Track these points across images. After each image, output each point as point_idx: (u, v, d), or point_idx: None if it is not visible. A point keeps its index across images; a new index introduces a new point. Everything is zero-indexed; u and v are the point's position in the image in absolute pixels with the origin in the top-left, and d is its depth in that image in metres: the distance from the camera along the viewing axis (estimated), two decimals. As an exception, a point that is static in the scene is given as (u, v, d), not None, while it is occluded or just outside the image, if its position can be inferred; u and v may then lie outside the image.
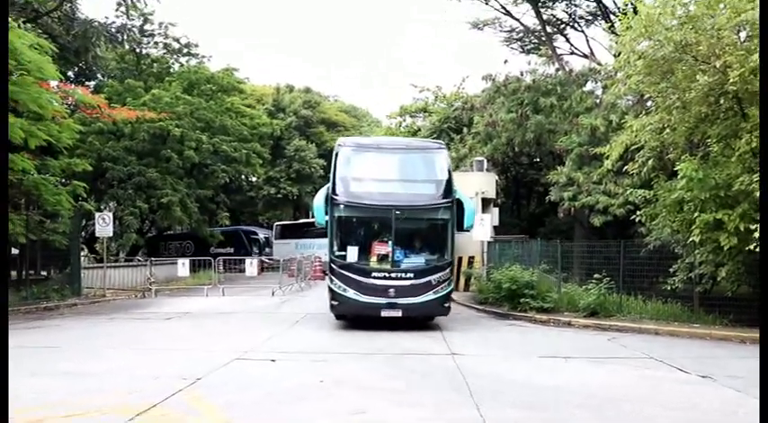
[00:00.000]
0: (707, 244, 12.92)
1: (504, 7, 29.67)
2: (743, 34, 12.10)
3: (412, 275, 12.91)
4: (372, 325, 12.87)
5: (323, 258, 28.81)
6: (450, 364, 9.22)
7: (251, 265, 21.79)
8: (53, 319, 15.10)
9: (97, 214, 21.65)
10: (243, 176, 40.54)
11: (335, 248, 13.21)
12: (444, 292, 13.12)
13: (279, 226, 39.17)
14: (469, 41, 70.39)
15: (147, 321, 14.80)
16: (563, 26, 30.92)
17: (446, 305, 13.32)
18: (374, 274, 12.86)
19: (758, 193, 11.00)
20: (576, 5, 30.16)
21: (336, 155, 13.66)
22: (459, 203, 13.69)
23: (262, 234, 39.31)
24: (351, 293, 12.78)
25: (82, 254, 25.97)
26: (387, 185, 13.59)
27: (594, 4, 28.72)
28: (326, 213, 13.28)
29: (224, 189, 37.77)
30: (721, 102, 12.25)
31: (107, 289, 21.29)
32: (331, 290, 13.12)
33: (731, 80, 11.23)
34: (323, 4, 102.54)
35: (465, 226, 13.77)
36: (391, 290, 12.71)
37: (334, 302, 13.08)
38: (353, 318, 13.50)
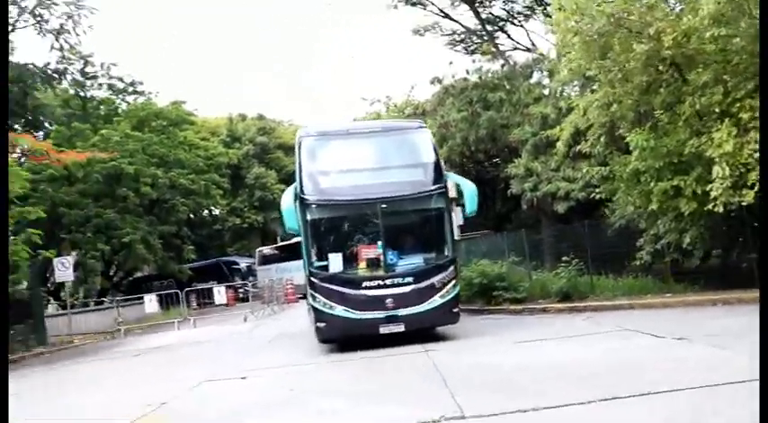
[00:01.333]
0: (668, 212, 12.97)
1: (442, 11, 29.89)
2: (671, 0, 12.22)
3: (411, 280, 10.81)
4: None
5: (294, 281, 28.51)
6: (426, 361, 8.97)
7: (219, 293, 21.33)
8: (18, 370, 14.51)
9: (55, 259, 21.09)
10: (205, 210, 40.02)
11: (314, 259, 10.99)
12: (452, 295, 11.05)
13: (260, 252, 38.47)
14: (414, 49, 71.47)
15: (116, 360, 14.34)
16: (503, 23, 31.18)
17: (455, 311, 11.24)
18: (366, 283, 10.80)
19: (709, 152, 11.09)
20: (512, 2, 30.54)
21: (299, 148, 11.60)
22: (455, 188, 11.71)
23: (243, 263, 38.59)
24: (339, 310, 10.59)
25: (49, 303, 25.36)
26: (365, 176, 11.57)
27: (532, -3, 29.05)
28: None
29: (188, 225, 37.25)
30: (660, 68, 12.31)
31: (74, 335, 20.68)
32: (315, 309, 10.90)
33: (666, 45, 11.30)
34: (259, 33, 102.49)
35: (469, 211, 11.47)
36: (389, 300, 10.61)
37: (320, 324, 10.83)
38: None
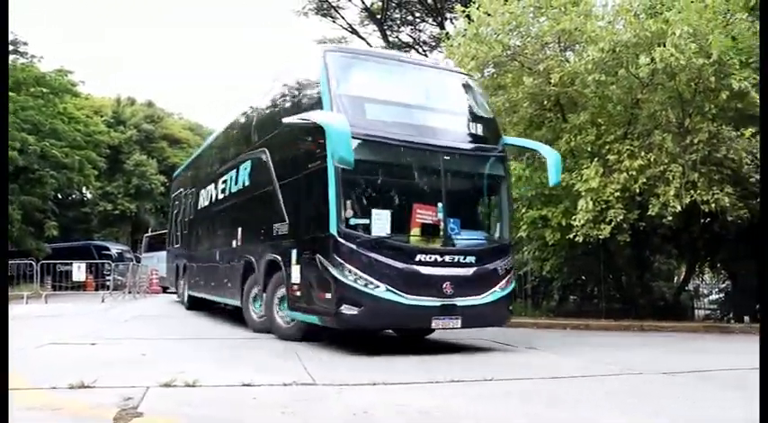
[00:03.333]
0: (534, 241, 13.77)
1: (351, 26, 30.42)
2: (563, 43, 13.10)
3: (474, 260, 8.26)
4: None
5: (159, 271, 27.30)
6: (287, 346, 8.98)
7: (78, 269, 20.21)
8: None
9: None
10: (76, 189, 37.90)
11: (348, 213, 7.74)
12: (511, 288, 8.83)
13: (147, 238, 36.28)
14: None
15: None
16: (407, 49, 32.10)
17: (510, 308, 9.06)
18: (420, 256, 7.91)
19: (577, 187, 11.91)
20: (420, 31, 31.59)
21: (326, 65, 8.30)
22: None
23: (115, 249, 36.27)
24: (382, 290, 7.58)
25: None
26: (420, 116, 8.63)
27: (438, 29, 30.09)
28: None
29: (56, 203, 35.15)
30: (545, 104, 13.13)
31: None
32: (339, 284, 7.56)
33: (553, 82, 12.11)
34: (168, 25, 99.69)
35: (554, 181, 9.38)
36: (446, 283, 7.92)
37: (347, 310, 7.51)
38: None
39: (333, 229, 7.62)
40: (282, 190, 9.25)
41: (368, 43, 31.20)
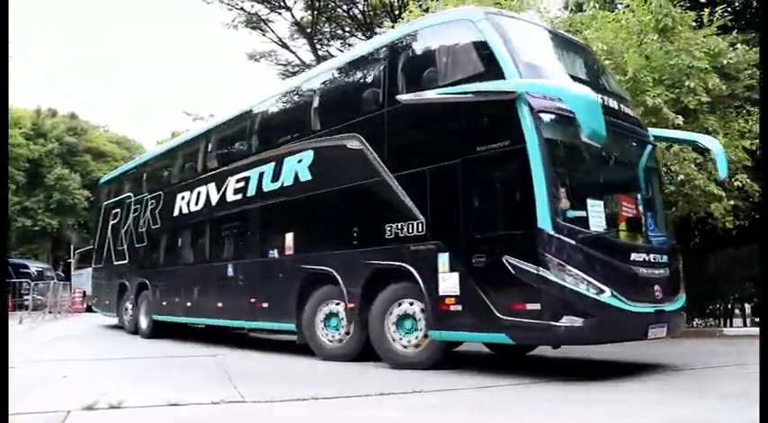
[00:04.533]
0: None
1: (281, 40, 30.36)
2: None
3: (666, 259, 7.30)
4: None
5: (85, 288, 26.07)
6: (216, 362, 8.89)
7: (-10, 291, 19.30)
8: None
9: None
10: (-9, 205, 36.28)
11: (562, 204, 6.46)
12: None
13: (79, 254, 34.26)
14: (246, 73, 72.61)
15: None
16: (338, 63, 32.23)
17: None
18: (634, 255, 6.89)
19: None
20: (350, 45, 31.74)
21: (498, 30, 7.05)
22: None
23: (34, 267, 34.13)
24: (607, 296, 6.34)
25: None
26: (600, 95, 7.20)
27: (368, 44, 30.34)
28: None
29: (-33, 220, 33.53)
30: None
31: None
32: (558, 289, 6.21)
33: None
34: (96, 33, 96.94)
35: (722, 175, 8.41)
36: (657, 286, 6.95)
37: (568, 321, 6.15)
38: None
39: (544, 223, 6.27)
40: (408, 182, 7.70)
41: (298, 57, 31.29)
